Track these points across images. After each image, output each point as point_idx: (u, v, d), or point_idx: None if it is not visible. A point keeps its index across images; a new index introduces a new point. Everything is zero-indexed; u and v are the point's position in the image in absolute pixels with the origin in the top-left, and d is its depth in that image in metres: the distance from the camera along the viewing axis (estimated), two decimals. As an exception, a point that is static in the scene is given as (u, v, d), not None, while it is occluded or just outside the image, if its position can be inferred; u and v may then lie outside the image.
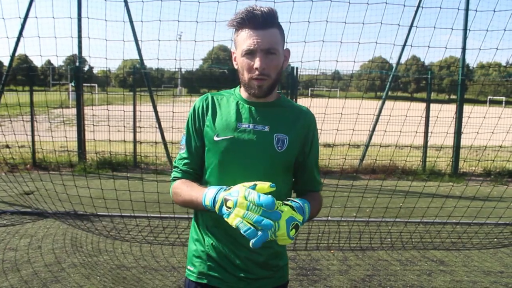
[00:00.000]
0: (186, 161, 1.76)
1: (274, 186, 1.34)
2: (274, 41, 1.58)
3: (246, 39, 1.57)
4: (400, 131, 5.89)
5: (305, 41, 4.86)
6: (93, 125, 6.57)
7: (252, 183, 1.35)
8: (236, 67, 1.68)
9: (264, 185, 1.33)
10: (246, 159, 1.64)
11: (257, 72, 1.58)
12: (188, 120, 1.77)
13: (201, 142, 1.73)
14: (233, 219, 1.28)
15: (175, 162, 1.81)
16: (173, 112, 6.05)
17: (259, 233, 1.25)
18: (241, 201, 1.29)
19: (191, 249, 1.79)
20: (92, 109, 6.61)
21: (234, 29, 1.64)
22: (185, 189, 1.64)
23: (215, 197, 1.40)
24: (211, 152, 1.68)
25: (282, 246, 1.76)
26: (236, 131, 1.66)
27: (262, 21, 1.55)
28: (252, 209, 1.27)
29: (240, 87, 1.76)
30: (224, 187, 1.43)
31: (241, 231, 1.26)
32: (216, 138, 1.66)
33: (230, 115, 1.69)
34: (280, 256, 1.77)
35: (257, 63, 1.56)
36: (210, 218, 1.71)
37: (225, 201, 1.34)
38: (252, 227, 1.25)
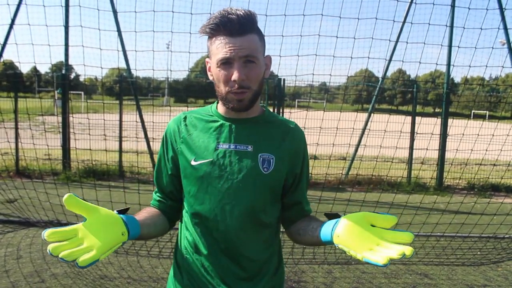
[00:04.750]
0: (156, 190, 1.65)
1: None
2: (253, 48, 1.39)
3: (221, 47, 1.39)
4: (380, 146, 5.94)
5: (298, 54, 4.91)
6: (89, 134, 6.51)
7: None
8: (211, 78, 1.49)
9: None
10: (228, 184, 1.47)
11: (236, 85, 1.39)
12: (160, 145, 1.62)
13: (174, 169, 1.58)
14: None
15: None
16: (153, 122, 6.02)
17: None
18: None
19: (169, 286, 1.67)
20: (88, 118, 6.53)
21: (208, 37, 1.45)
22: None
23: None
24: (189, 178, 1.51)
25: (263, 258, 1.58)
26: (215, 153, 1.48)
27: (238, 27, 1.36)
28: None
29: (217, 102, 1.57)
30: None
31: None
32: (193, 163, 1.49)
33: (207, 135, 1.51)
34: (266, 268, 1.58)
35: (235, 74, 1.37)
36: (187, 252, 1.57)
37: None
38: None
